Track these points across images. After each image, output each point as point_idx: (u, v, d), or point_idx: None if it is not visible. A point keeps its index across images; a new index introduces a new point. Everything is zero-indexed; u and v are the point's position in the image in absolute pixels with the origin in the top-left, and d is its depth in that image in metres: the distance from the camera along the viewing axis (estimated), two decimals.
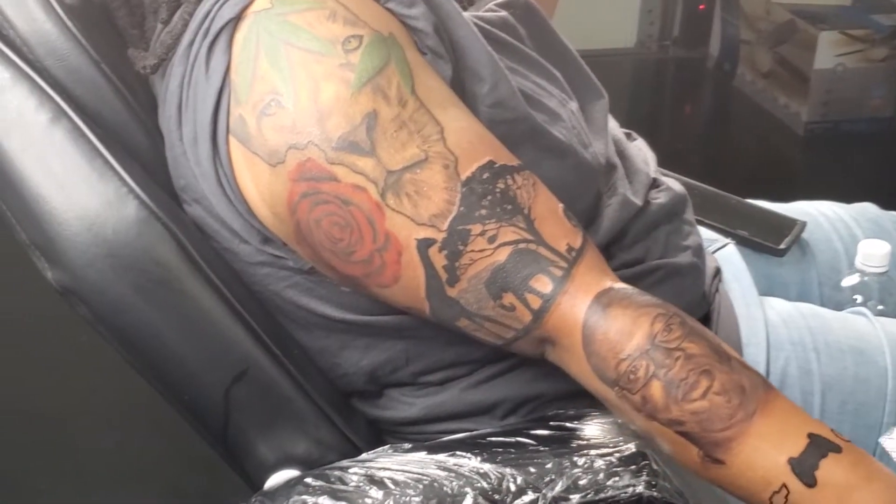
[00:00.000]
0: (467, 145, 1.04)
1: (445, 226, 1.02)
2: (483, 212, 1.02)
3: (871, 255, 1.48)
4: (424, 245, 1.02)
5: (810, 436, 1.00)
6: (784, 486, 0.98)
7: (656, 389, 1.00)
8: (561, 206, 1.08)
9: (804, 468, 0.98)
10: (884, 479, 1.00)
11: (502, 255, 1.03)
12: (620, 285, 1.06)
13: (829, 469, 0.98)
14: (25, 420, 2.39)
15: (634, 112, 3.99)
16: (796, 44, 3.65)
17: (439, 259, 1.03)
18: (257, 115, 1.03)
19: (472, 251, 1.02)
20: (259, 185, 1.06)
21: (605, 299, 1.04)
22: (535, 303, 1.04)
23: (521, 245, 1.03)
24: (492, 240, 1.03)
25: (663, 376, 1.00)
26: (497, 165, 1.04)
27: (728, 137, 3.84)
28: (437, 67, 1.08)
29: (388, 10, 1.07)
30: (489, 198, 1.03)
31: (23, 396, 2.44)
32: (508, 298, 1.04)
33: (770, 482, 0.99)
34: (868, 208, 1.68)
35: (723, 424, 0.99)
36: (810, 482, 0.98)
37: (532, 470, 1.10)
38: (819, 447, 0.99)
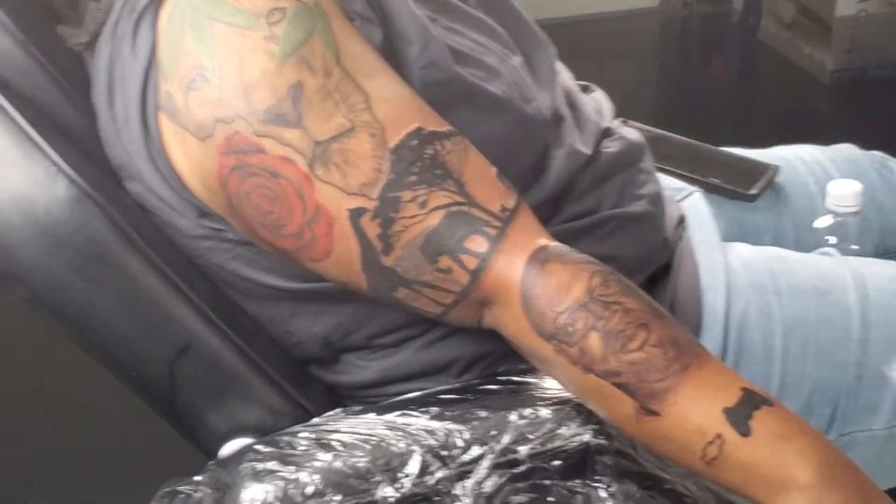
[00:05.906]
0: (394, 113, 1.04)
1: (376, 194, 1.02)
2: (413, 178, 1.02)
3: (840, 195, 1.47)
4: (356, 215, 1.02)
5: (743, 389, 1.00)
6: (718, 435, 0.98)
7: (594, 341, 1.00)
8: (494, 169, 1.08)
9: (738, 417, 0.98)
10: (814, 433, 1.00)
11: (435, 220, 1.03)
12: (556, 244, 1.06)
13: (763, 419, 0.98)
14: None
15: (663, 72, 3.97)
16: None
17: (372, 228, 1.03)
18: (184, 90, 1.04)
19: (405, 217, 1.03)
20: (190, 160, 1.07)
21: (541, 255, 1.04)
22: (471, 263, 1.04)
23: (454, 208, 1.03)
24: (423, 205, 1.03)
25: (602, 328, 1.00)
26: (425, 132, 1.04)
27: (756, 90, 3.81)
28: (366, 32, 1.08)
29: None
30: (418, 164, 1.03)
31: None
32: (444, 261, 1.04)
33: (704, 432, 0.98)
34: (847, 149, 1.67)
35: (659, 375, 0.99)
36: (745, 431, 0.97)
37: (477, 424, 1.11)
38: (753, 399, 0.99)
